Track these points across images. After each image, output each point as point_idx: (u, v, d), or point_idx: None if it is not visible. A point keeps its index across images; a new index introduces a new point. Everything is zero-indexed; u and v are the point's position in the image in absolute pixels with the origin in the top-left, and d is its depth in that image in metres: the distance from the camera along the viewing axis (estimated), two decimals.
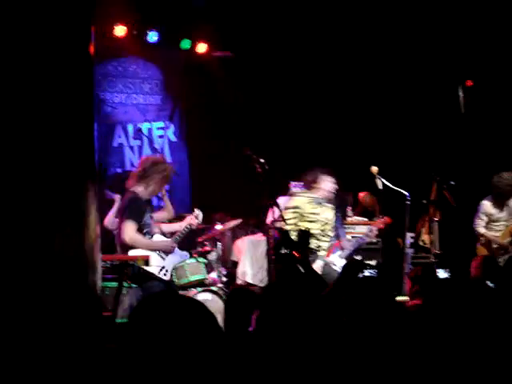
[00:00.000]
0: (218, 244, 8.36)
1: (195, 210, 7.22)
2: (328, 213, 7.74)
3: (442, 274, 8.15)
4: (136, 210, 6.63)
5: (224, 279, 8.11)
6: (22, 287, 2.78)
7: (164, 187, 7.26)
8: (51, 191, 2.86)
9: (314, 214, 7.60)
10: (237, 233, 9.19)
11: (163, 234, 7.05)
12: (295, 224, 7.45)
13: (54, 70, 2.85)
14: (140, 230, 6.60)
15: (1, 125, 2.80)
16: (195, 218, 7.10)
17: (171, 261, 6.89)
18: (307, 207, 7.61)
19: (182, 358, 1.88)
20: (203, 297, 7.50)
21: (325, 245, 7.75)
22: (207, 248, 8.43)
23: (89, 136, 2.98)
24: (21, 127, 2.82)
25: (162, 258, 6.76)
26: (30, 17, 2.83)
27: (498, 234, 8.70)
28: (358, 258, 8.52)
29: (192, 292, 7.53)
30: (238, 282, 8.58)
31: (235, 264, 8.97)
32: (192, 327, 1.93)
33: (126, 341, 1.96)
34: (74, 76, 2.91)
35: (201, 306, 2.04)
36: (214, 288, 7.70)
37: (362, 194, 9.85)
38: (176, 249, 6.99)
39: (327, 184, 7.68)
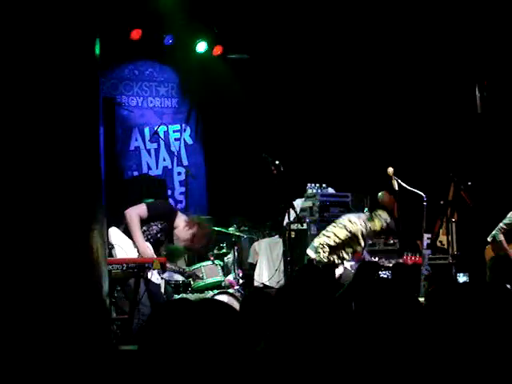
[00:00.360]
0: (235, 246, 8.36)
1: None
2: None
3: (461, 277, 8.11)
4: (158, 208, 6.61)
5: (241, 281, 8.12)
6: (30, 292, 2.78)
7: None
8: (56, 197, 2.85)
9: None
10: (254, 235, 9.20)
11: None
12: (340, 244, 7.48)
13: (58, 73, 2.85)
14: (143, 223, 6.49)
15: (5, 129, 2.80)
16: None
17: None
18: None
19: (198, 362, 1.87)
20: (219, 299, 7.50)
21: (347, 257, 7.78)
22: (224, 250, 8.44)
23: (94, 141, 2.97)
24: (24, 131, 2.81)
25: (138, 253, 6.51)
26: (34, 19, 2.83)
27: None
28: (375, 259, 8.50)
29: (209, 295, 7.54)
30: (255, 284, 8.59)
31: (252, 266, 8.98)
32: (211, 332, 1.93)
33: (144, 343, 1.96)
34: (79, 79, 2.91)
35: (222, 305, 2.04)
36: (230, 290, 7.71)
37: (380, 194, 9.81)
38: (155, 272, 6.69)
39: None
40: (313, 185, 8.85)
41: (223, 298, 7.54)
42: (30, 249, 2.79)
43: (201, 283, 7.75)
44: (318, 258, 7.47)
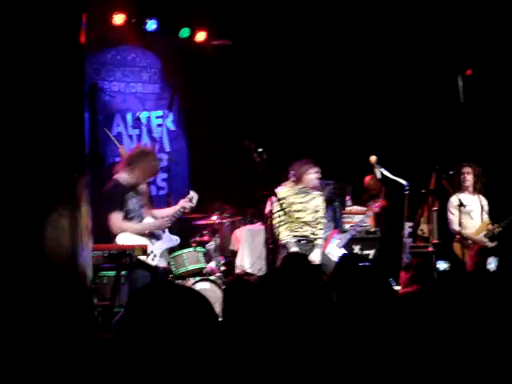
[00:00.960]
0: (217, 233, 8.36)
1: (191, 192, 7.17)
2: (316, 200, 7.80)
3: (441, 265, 8.15)
4: (116, 198, 6.64)
5: (222, 268, 8.12)
6: (13, 278, 2.77)
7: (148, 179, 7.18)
8: (41, 182, 2.84)
9: (301, 203, 7.69)
10: (235, 222, 9.19)
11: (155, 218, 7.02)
12: (284, 215, 7.48)
13: (43, 58, 2.82)
14: (126, 216, 6.62)
15: None
16: (189, 200, 7.07)
17: (160, 246, 6.86)
18: (294, 198, 7.68)
19: (178, 348, 1.87)
20: (201, 286, 7.51)
21: (320, 233, 7.80)
22: (206, 237, 8.43)
23: (79, 126, 2.96)
24: (9, 117, 2.79)
25: (150, 242, 6.73)
26: (19, 4, 2.81)
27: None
28: (356, 248, 8.54)
29: (190, 281, 7.54)
30: (237, 271, 8.59)
31: (234, 253, 8.98)
32: (188, 316, 1.92)
33: (122, 331, 1.95)
34: (64, 65, 2.88)
35: (198, 294, 2.03)
36: (212, 277, 7.71)
37: (367, 178, 9.84)
38: (167, 233, 6.97)
39: (310, 175, 7.72)
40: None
41: (205, 285, 7.55)
42: (17, 234, 2.79)
43: (182, 269, 7.75)
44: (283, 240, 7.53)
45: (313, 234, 7.73)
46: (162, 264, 6.89)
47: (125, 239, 6.57)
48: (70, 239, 2.86)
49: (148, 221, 6.86)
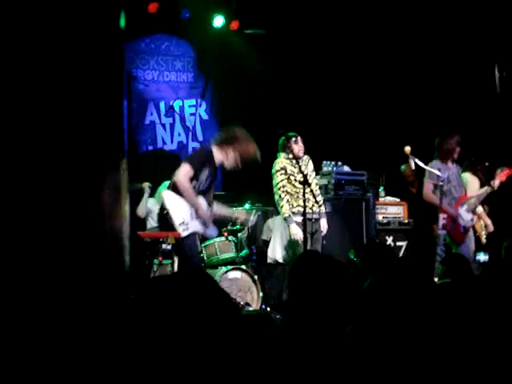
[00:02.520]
0: (250, 224, 8.33)
1: (251, 216, 7.08)
2: (307, 166, 7.66)
3: (481, 257, 8.05)
4: (198, 159, 6.53)
5: (254, 258, 8.10)
6: (56, 258, 2.81)
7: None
8: (85, 167, 2.88)
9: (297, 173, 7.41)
10: (268, 211, 9.16)
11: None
12: (287, 185, 7.36)
13: (84, 44, 2.84)
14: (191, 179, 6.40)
15: (35, 101, 2.81)
16: (243, 218, 7.02)
17: (196, 226, 6.52)
18: (291, 168, 7.49)
19: (192, 338, 1.83)
20: (233, 275, 7.51)
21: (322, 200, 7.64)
22: (238, 227, 8.42)
23: (118, 114, 2.98)
24: (52, 103, 2.82)
25: (191, 216, 6.44)
26: None
27: None
28: (389, 240, 8.45)
29: (221, 271, 7.54)
30: (269, 260, 8.58)
31: (266, 243, 8.96)
32: (205, 306, 1.88)
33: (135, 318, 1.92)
34: (104, 51, 2.90)
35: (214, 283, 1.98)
36: (243, 266, 7.70)
37: (402, 166, 9.72)
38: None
39: (294, 146, 7.48)
40: (328, 162, 8.80)
41: (236, 274, 7.54)
42: (62, 217, 2.84)
43: (214, 258, 7.76)
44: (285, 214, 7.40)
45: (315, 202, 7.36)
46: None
47: (171, 198, 6.38)
48: (114, 223, 2.89)
49: (202, 200, 6.59)
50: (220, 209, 6.96)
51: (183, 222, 6.33)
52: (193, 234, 6.45)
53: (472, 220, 7.84)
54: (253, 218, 6.95)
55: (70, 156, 2.84)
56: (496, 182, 7.90)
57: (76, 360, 2.68)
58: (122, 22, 2.97)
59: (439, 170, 7.74)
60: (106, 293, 2.87)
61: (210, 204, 6.68)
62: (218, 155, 6.59)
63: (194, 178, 6.41)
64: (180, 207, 6.39)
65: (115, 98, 2.93)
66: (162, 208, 6.46)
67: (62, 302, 2.80)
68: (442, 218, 8.41)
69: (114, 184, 2.95)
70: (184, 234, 6.33)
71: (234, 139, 6.63)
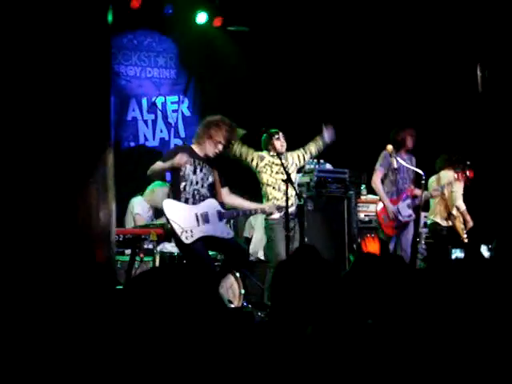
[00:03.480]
0: (231, 220, 8.33)
1: (277, 207, 6.86)
2: (292, 157, 7.62)
3: (457, 253, 8.10)
4: (167, 154, 6.54)
5: None
6: (45, 254, 2.80)
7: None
8: (71, 161, 2.87)
9: (278, 164, 7.30)
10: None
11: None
12: (270, 177, 7.34)
13: (71, 39, 2.83)
14: (177, 181, 6.36)
15: (20, 95, 2.80)
16: (270, 210, 6.81)
17: (204, 230, 6.31)
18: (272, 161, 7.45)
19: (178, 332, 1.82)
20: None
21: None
22: None
23: (106, 109, 2.97)
24: (39, 98, 2.81)
25: (197, 222, 6.30)
26: None
27: None
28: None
29: None
30: (250, 258, 8.58)
31: (248, 240, 8.96)
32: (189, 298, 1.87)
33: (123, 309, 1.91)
34: (91, 45, 2.89)
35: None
36: None
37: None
38: (223, 222, 6.53)
39: (276, 143, 7.44)
40: (310, 160, 8.80)
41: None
42: (50, 212, 2.83)
43: None
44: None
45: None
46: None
47: (172, 207, 6.28)
48: (99, 219, 2.88)
49: (210, 201, 6.44)
50: (242, 203, 6.82)
51: (184, 231, 6.18)
52: (201, 239, 6.28)
53: (410, 216, 7.84)
54: (278, 211, 6.80)
55: (58, 150, 2.83)
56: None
57: (63, 354, 2.68)
58: (110, 18, 2.96)
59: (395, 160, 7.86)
60: (92, 286, 2.86)
61: (229, 203, 6.65)
62: (197, 149, 6.54)
63: (178, 177, 6.35)
64: (181, 215, 6.26)
65: (102, 93, 2.93)
66: (167, 218, 6.34)
67: (49, 297, 2.79)
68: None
69: (101, 179, 2.94)
70: (188, 241, 6.18)
71: (205, 127, 6.58)
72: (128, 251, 6.70)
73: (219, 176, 6.63)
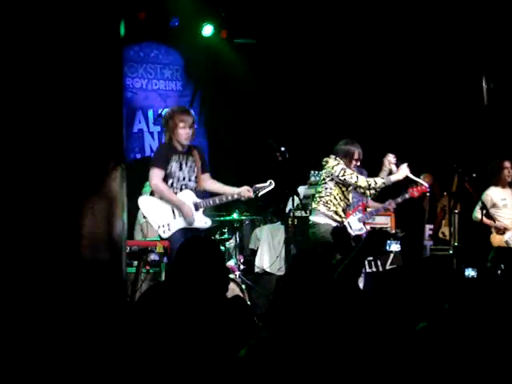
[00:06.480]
0: (237, 232, 8.34)
1: (268, 183, 6.85)
2: None
3: (469, 272, 8.07)
4: (157, 156, 6.54)
5: (242, 267, 8.10)
6: (52, 268, 2.81)
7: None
8: (81, 175, 2.88)
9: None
10: (255, 221, 9.18)
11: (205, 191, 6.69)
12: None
13: (84, 51, 2.85)
14: (164, 179, 6.40)
15: (33, 106, 2.82)
16: (253, 192, 6.74)
17: (181, 222, 6.42)
18: None
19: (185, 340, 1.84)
20: None
21: None
22: (226, 236, 8.42)
23: (117, 121, 2.99)
24: (52, 110, 2.83)
25: (173, 215, 6.40)
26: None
27: None
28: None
29: None
30: (256, 269, 8.58)
31: (253, 252, 8.97)
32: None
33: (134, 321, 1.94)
34: (103, 58, 2.91)
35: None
36: (231, 275, 7.69)
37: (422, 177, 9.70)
38: (199, 212, 6.52)
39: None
40: (316, 172, 8.81)
41: None
42: (58, 224, 2.84)
43: None
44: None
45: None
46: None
47: (147, 204, 6.43)
48: (108, 231, 2.89)
49: (187, 192, 6.50)
50: (221, 188, 6.81)
51: (162, 225, 6.32)
52: (179, 232, 6.36)
53: (360, 230, 7.79)
54: (265, 185, 6.78)
55: (70, 162, 2.85)
56: (394, 202, 7.90)
57: (72, 359, 2.69)
58: (122, 30, 2.99)
59: None
60: (104, 298, 2.87)
61: (198, 192, 6.59)
62: (175, 144, 6.52)
63: (165, 176, 6.40)
64: (156, 210, 6.38)
65: (115, 105, 2.94)
66: (143, 215, 6.53)
67: (55, 309, 2.81)
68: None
69: (112, 191, 2.95)
70: (165, 235, 6.31)
71: (165, 125, 6.60)
72: (135, 263, 6.69)
73: (201, 161, 6.69)
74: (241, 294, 7.58)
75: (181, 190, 6.48)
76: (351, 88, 10.52)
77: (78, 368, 2.73)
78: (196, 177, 6.58)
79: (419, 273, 2.91)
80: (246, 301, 7.54)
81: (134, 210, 8.12)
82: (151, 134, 10.27)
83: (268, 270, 8.61)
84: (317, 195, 7.39)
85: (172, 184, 6.44)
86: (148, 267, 6.92)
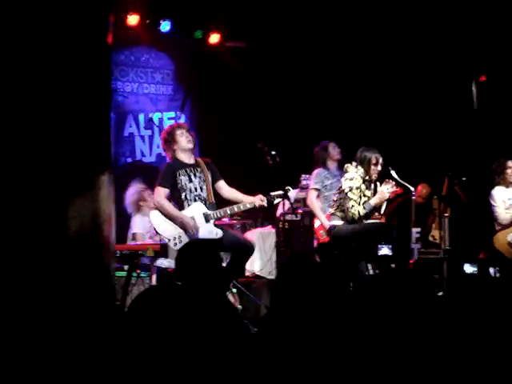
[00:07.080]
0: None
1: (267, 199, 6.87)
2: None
3: (468, 268, 8.08)
4: (162, 175, 6.66)
5: None
6: (38, 266, 2.81)
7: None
8: (68, 178, 2.89)
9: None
10: (246, 225, 9.17)
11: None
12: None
13: (72, 57, 2.86)
14: (177, 193, 6.57)
15: (21, 112, 2.82)
16: (263, 200, 6.79)
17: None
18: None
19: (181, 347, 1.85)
20: None
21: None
22: None
23: (105, 124, 3.00)
24: (38, 114, 2.83)
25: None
26: (49, 4, 2.84)
27: None
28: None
29: None
30: (247, 273, 8.58)
31: None
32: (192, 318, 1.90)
33: (127, 329, 1.94)
34: (91, 64, 2.92)
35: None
36: None
37: (420, 187, 9.71)
38: (210, 223, 6.62)
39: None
40: (307, 176, 8.83)
41: None
42: (44, 223, 2.84)
43: None
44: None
45: None
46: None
47: (158, 218, 6.54)
48: (94, 230, 2.90)
49: (197, 205, 6.62)
50: (234, 194, 6.95)
51: (172, 238, 6.46)
52: None
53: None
54: (281, 193, 6.84)
55: (58, 166, 2.85)
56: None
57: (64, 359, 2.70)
58: (110, 38, 3.00)
59: (326, 177, 8.09)
60: (92, 301, 2.88)
61: (210, 204, 6.70)
62: (180, 157, 6.76)
63: (177, 191, 6.52)
64: (167, 224, 6.51)
65: (102, 110, 2.95)
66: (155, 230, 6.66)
67: (47, 311, 2.81)
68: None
69: (100, 194, 2.95)
70: (177, 247, 6.37)
71: (165, 143, 6.92)
72: (126, 267, 6.70)
73: (212, 169, 6.92)
74: (232, 298, 7.58)
75: (195, 200, 6.63)
76: (342, 92, 10.54)
77: (67, 369, 2.74)
78: (206, 187, 6.66)
79: (409, 276, 2.92)
80: (237, 304, 7.55)
81: (124, 213, 8.14)
82: (142, 137, 10.25)
83: (259, 273, 8.61)
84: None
85: (186, 196, 6.61)
86: (139, 271, 6.91)
